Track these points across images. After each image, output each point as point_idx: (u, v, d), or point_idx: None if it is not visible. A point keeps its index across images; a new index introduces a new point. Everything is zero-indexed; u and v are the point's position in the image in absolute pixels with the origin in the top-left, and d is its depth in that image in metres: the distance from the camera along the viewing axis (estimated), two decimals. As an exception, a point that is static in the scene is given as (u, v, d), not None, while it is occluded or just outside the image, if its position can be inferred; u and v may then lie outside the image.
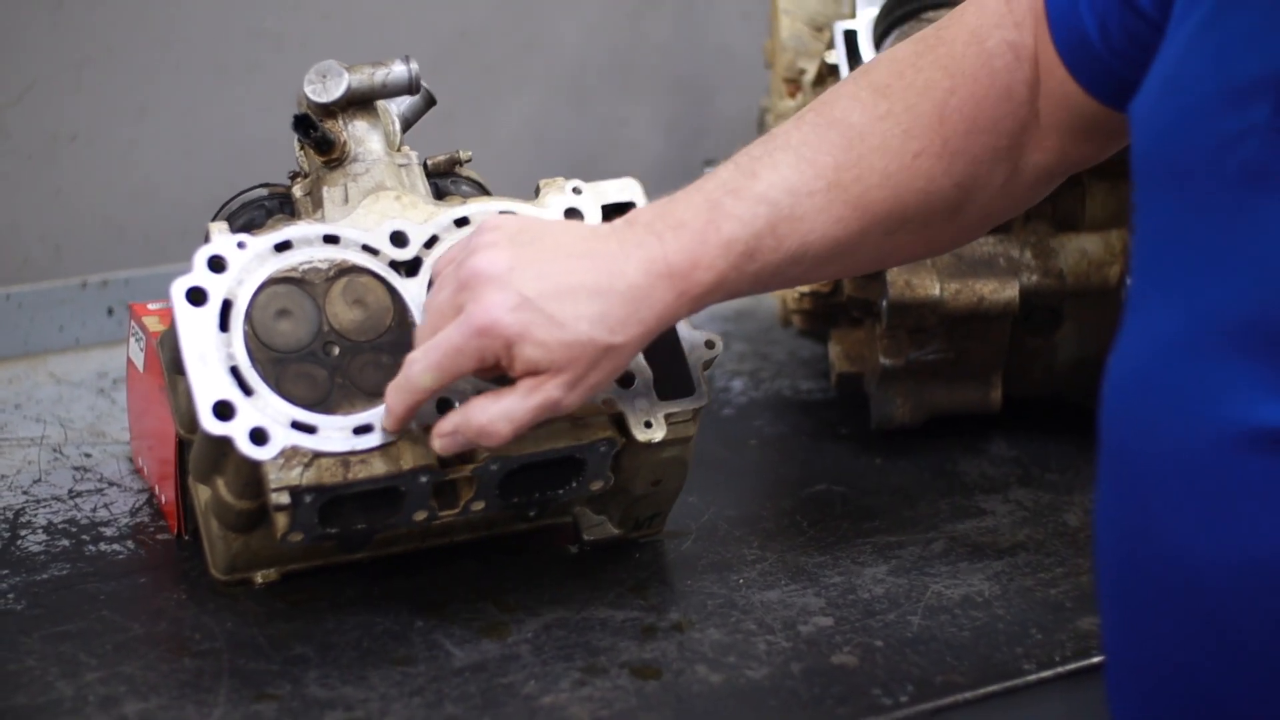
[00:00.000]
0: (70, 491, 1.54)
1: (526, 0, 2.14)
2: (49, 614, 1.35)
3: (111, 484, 1.56)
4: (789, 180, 1.25)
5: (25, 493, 1.54)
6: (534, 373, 1.22)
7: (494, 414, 1.23)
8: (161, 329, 1.47)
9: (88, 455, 1.61)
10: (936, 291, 1.57)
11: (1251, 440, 0.97)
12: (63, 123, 1.90)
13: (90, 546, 1.45)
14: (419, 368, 1.24)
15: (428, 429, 1.28)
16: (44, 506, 1.51)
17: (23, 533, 1.46)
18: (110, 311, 1.87)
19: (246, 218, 1.42)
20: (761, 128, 1.89)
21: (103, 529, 1.48)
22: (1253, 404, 0.97)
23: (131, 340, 1.55)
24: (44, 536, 1.46)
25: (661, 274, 1.23)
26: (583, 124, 2.21)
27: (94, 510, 1.51)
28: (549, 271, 1.22)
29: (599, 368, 1.23)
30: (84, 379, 1.78)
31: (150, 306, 1.54)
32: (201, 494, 1.37)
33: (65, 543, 1.45)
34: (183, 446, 1.42)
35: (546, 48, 2.16)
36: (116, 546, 1.45)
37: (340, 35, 2.01)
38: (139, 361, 1.53)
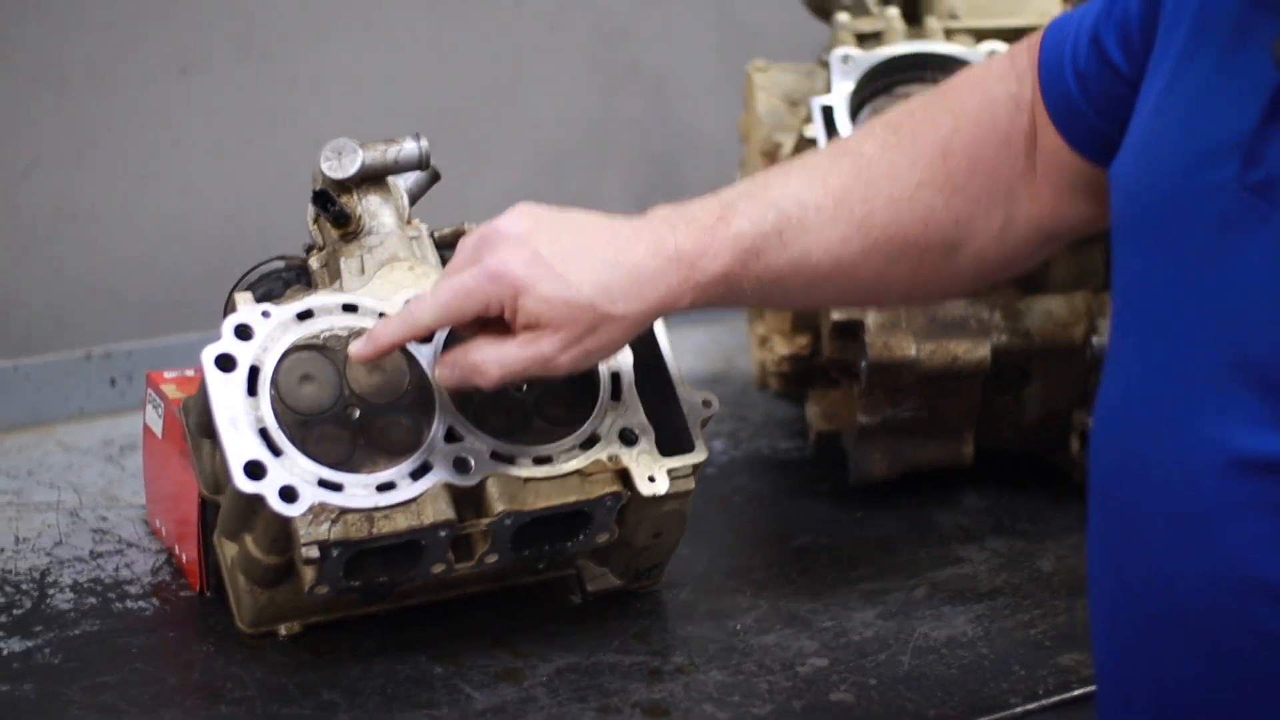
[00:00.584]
0: (91, 552, 1.61)
1: (505, 79, 2.23)
2: (85, 667, 1.42)
3: (130, 545, 1.63)
4: (799, 193, 1.33)
5: (48, 554, 1.60)
6: (534, 327, 1.29)
7: (488, 355, 1.30)
8: (180, 396, 1.55)
9: (104, 518, 1.68)
10: (913, 352, 1.66)
11: (1230, 466, 1.06)
12: (66, 198, 1.98)
13: (117, 604, 1.52)
14: (425, 304, 1.31)
15: (449, 485, 1.37)
16: (68, 567, 1.58)
17: (51, 591, 1.53)
18: (113, 382, 1.94)
19: (265, 288, 1.49)
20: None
21: (127, 587, 1.55)
22: (1231, 432, 1.06)
23: (149, 407, 1.62)
24: (71, 595, 1.53)
25: (670, 257, 1.31)
26: (558, 196, 2.28)
27: (116, 570, 1.58)
28: (564, 238, 1.30)
29: (596, 334, 1.30)
30: (91, 446, 1.85)
31: (167, 375, 1.61)
32: (228, 550, 1.44)
33: (92, 600, 1.52)
34: (205, 506, 1.49)
35: (524, 124, 2.25)
36: (142, 603, 1.52)
37: (329, 113, 2.09)
38: (157, 428, 1.60)
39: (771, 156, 1.83)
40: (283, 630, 1.46)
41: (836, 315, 1.67)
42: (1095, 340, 1.68)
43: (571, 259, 1.29)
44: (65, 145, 1.97)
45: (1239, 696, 1.07)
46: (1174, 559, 1.08)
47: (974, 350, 1.67)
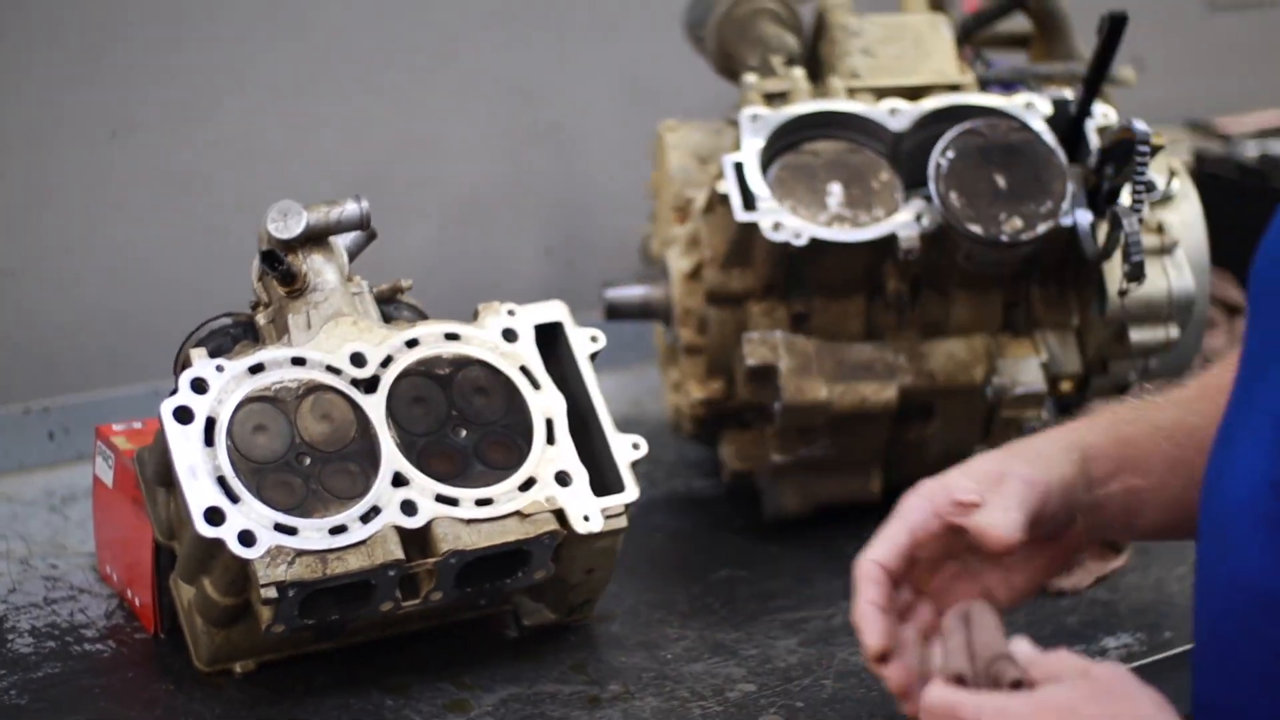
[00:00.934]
0: (45, 599, 1.67)
1: (419, 140, 2.31)
2: (52, 707, 1.49)
3: (82, 591, 1.69)
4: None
5: (3, 601, 1.67)
6: (968, 508, 1.31)
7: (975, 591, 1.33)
8: (130, 448, 1.62)
9: (54, 566, 1.74)
10: (824, 394, 1.75)
11: (1265, 485, 1.17)
12: (3, 259, 2.04)
13: (75, 647, 1.58)
14: (871, 550, 1.31)
15: (397, 527, 1.45)
16: (24, 613, 1.64)
17: (10, 636, 1.60)
18: (51, 435, 2.00)
19: (215, 344, 1.56)
20: (644, 253, 2.07)
21: (83, 631, 1.61)
22: (1273, 455, 1.17)
23: (98, 459, 1.68)
24: (31, 639, 1.59)
25: (1024, 441, 1.37)
26: (473, 249, 2.38)
27: (71, 615, 1.64)
28: None
29: (1022, 494, 1.29)
30: (34, 498, 1.91)
31: (116, 428, 1.68)
32: (185, 593, 1.51)
33: (52, 644, 1.59)
34: (159, 551, 1.56)
35: (440, 181, 2.34)
36: (99, 646, 1.59)
37: (252, 176, 2.17)
38: (107, 478, 1.66)
39: (683, 211, 1.92)
40: (238, 668, 1.53)
41: (751, 360, 1.76)
42: (995, 380, 1.78)
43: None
44: (1, 209, 2.04)
45: (1255, 702, 1.18)
46: (1212, 566, 1.21)
47: (881, 391, 1.77)
